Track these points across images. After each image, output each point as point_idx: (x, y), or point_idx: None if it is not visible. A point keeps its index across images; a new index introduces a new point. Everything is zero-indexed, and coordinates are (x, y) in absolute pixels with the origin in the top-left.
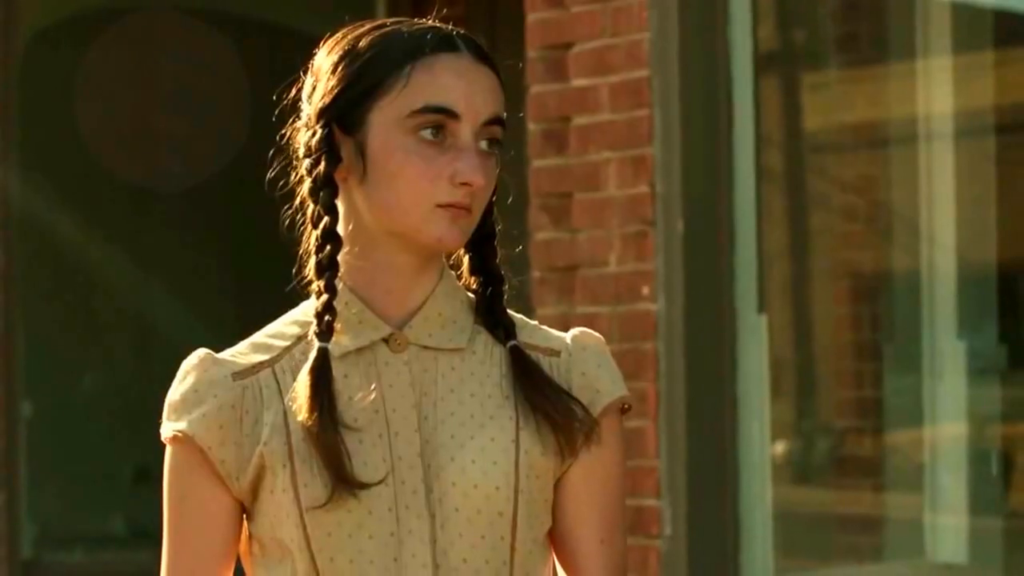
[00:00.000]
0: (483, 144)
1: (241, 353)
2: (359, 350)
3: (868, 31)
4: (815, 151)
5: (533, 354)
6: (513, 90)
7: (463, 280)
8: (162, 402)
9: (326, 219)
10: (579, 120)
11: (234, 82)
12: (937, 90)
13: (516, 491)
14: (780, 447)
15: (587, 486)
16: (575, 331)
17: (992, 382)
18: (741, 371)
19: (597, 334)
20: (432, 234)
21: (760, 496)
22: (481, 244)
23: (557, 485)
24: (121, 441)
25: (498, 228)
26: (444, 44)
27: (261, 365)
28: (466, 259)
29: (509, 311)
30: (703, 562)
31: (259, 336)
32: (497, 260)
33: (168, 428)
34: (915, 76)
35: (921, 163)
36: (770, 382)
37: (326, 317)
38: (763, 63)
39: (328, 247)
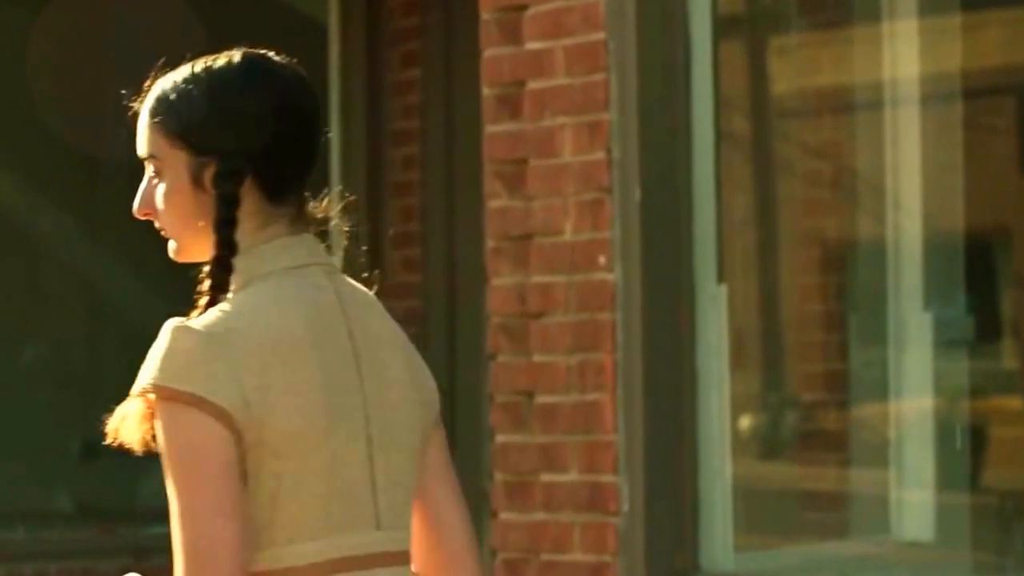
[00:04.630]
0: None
1: None
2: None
3: None
4: (778, 116)
5: None
6: (469, 53)
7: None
8: (113, 374)
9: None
10: (534, 84)
11: (194, 51)
12: (904, 54)
13: None
14: (742, 421)
15: None
16: None
17: (960, 354)
18: (700, 343)
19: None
20: None
21: (719, 472)
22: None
23: None
24: (68, 414)
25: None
26: None
27: None
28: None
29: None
30: (661, 540)
31: None
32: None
33: None
34: (881, 40)
35: (887, 128)
36: (730, 354)
37: None
38: (723, 25)
39: None
